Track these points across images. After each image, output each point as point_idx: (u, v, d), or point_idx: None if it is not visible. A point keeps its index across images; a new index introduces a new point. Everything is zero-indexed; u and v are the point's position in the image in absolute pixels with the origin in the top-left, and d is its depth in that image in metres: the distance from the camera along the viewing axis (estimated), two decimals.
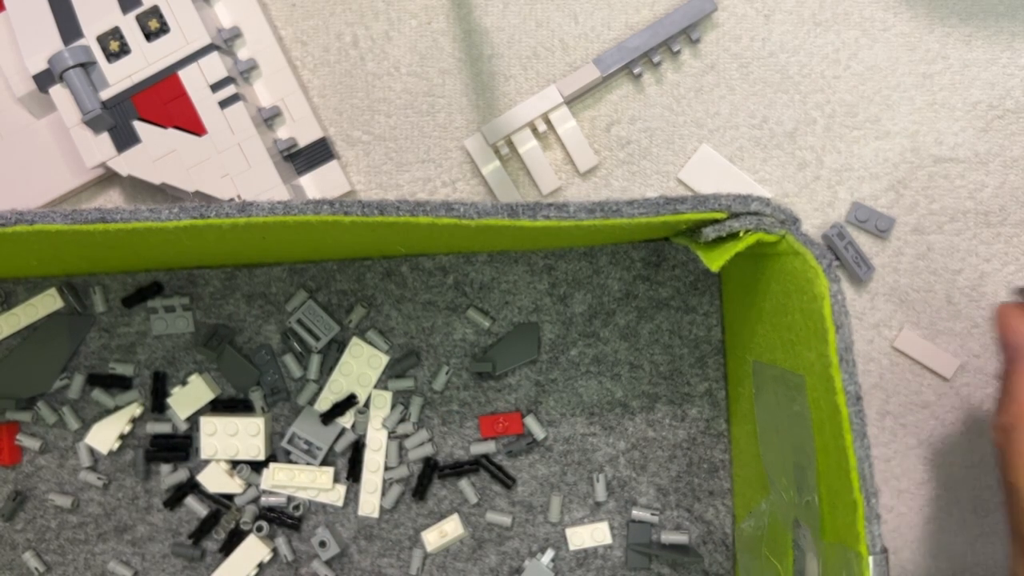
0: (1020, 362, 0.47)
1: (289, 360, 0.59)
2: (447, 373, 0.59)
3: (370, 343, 0.59)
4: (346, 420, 0.59)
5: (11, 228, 0.40)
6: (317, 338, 0.59)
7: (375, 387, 0.59)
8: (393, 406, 0.59)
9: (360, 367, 0.59)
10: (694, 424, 0.59)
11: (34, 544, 0.61)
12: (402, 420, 0.59)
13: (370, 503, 0.59)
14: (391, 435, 0.59)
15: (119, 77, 0.54)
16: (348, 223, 0.40)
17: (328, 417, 0.59)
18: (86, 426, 0.60)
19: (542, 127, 0.59)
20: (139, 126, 0.55)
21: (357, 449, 0.59)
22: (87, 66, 0.54)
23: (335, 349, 0.59)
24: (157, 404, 0.60)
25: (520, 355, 0.59)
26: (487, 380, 0.59)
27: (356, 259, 0.59)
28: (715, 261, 0.42)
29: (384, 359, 0.59)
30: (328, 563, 0.60)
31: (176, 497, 0.60)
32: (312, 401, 0.60)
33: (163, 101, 0.55)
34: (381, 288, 0.59)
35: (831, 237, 0.57)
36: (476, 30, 0.59)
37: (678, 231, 0.48)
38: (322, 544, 0.59)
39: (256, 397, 0.59)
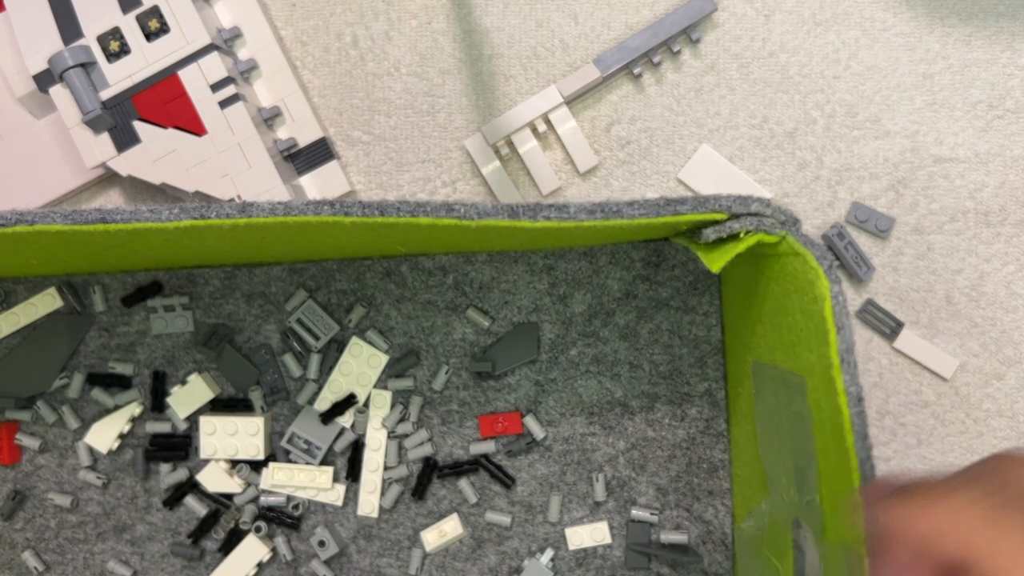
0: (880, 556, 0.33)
1: (289, 360, 0.59)
2: (447, 373, 0.59)
3: (370, 343, 0.59)
4: (346, 420, 0.59)
5: (11, 228, 0.40)
6: (317, 338, 0.59)
7: (375, 387, 0.59)
8: (393, 406, 0.59)
9: (360, 367, 0.59)
10: (694, 424, 0.59)
11: (33, 543, 0.61)
12: (402, 420, 0.59)
13: (369, 503, 0.59)
14: (391, 435, 0.59)
15: (119, 77, 0.54)
16: (348, 224, 0.40)
17: (328, 417, 0.59)
18: (86, 425, 0.60)
19: (542, 127, 0.59)
20: (139, 126, 0.55)
21: (356, 449, 0.59)
22: (87, 66, 0.54)
23: (335, 349, 0.59)
24: (157, 403, 0.60)
25: (520, 355, 0.59)
26: (487, 380, 0.59)
27: (356, 259, 0.59)
28: (715, 262, 0.42)
29: (384, 359, 0.59)
30: (327, 563, 0.60)
31: (175, 496, 0.60)
32: (312, 401, 0.59)
33: (163, 101, 0.54)
34: (381, 288, 0.59)
35: (831, 237, 0.57)
36: (476, 30, 0.59)
37: (678, 232, 0.48)
38: (321, 544, 0.59)
39: (256, 397, 0.59)
